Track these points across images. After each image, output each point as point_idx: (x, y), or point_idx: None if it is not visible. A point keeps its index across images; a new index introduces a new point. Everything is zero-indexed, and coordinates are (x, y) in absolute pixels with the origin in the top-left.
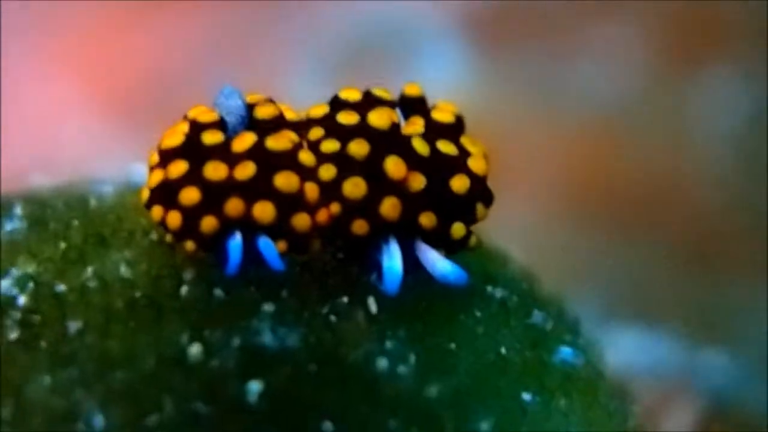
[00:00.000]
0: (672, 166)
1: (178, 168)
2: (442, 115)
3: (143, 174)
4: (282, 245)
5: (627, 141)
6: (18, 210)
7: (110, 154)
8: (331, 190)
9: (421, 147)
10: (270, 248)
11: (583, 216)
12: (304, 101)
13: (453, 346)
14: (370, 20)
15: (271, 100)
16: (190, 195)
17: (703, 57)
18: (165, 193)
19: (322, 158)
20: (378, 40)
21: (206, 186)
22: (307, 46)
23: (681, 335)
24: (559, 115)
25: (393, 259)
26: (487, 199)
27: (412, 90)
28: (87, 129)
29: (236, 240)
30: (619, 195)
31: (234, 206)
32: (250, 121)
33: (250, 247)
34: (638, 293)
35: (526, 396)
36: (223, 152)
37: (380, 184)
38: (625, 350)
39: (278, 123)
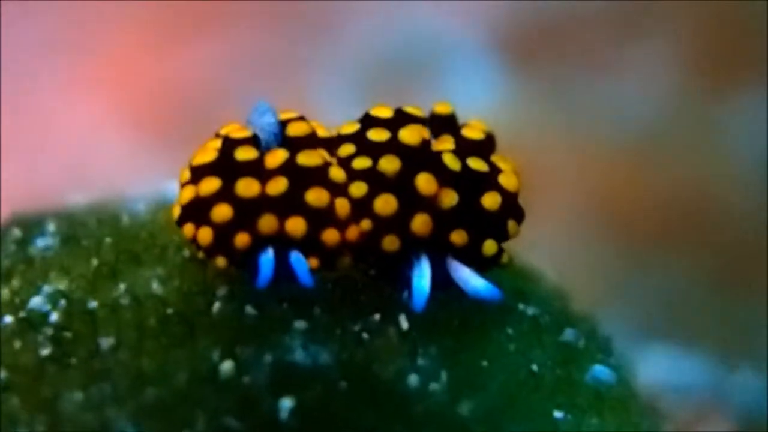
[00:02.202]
0: (703, 186)
1: (211, 185)
2: (473, 132)
3: (176, 191)
4: (314, 261)
5: (658, 160)
6: (51, 227)
7: (143, 172)
8: (362, 207)
9: (452, 162)
10: (301, 263)
11: (615, 235)
12: (336, 119)
13: (485, 363)
14: (401, 38)
15: (303, 118)
16: (223, 211)
17: (733, 77)
18: (197, 210)
19: (354, 175)
20: (410, 58)
21: (238, 202)
22: (340, 64)
23: (713, 354)
24: (590, 134)
25: (422, 277)
26: (519, 215)
27: (442, 108)
28: (120, 147)
29: (268, 255)
30: (651, 214)
31: (267, 223)
32: (282, 138)
33: (281, 262)
34: (670, 312)
35: (558, 414)
36: (255, 168)
37: (411, 201)
38: (657, 369)
39: (310, 140)
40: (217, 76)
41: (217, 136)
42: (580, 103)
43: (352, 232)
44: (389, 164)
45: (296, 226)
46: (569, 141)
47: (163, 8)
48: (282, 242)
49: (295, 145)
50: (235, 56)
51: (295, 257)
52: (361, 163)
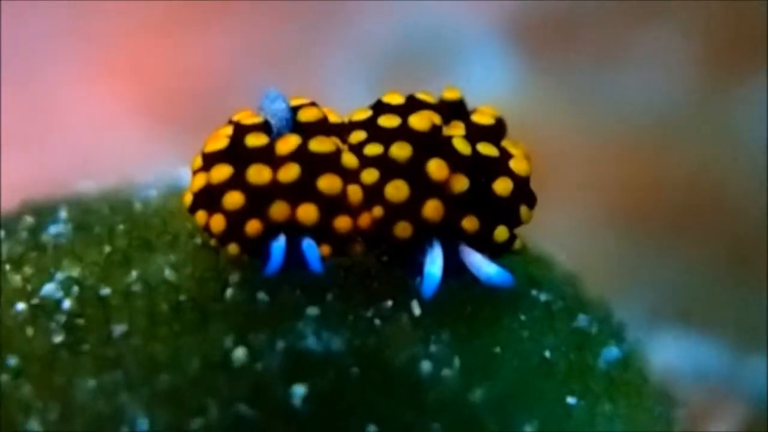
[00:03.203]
0: (715, 173)
1: (222, 172)
2: (482, 117)
3: (188, 178)
4: (325, 249)
5: (670, 147)
6: (63, 214)
7: (155, 159)
8: (374, 194)
9: (462, 146)
10: (313, 250)
11: (628, 221)
12: (348, 105)
13: (497, 349)
14: (414, 26)
15: (314, 104)
16: (234, 199)
17: (747, 65)
18: (209, 198)
19: (365, 161)
20: (422, 46)
21: (250, 189)
22: (353, 52)
23: (726, 341)
24: (602, 121)
25: (434, 262)
26: (531, 200)
27: (451, 94)
28: (132, 134)
29: (280, 242)
30: (663, 200)
31: (279, 210)
32: (293, 124)
33: (293, 248)
34: (683, 298)
35: (571, 400)
36: (266, 155)
37: (423, 187)
38: (670, 355)
39: (322, 126)
40: (229, 63)
41: (230, 122)
42: (592, 91)
43: (365, 219)
44: (400, 151)
45: (308, 213)
46: (582, 129)
47: None
48: (294, 229)
49: (307, 130)
50: (248, 44)
51: (307, 244)
52: (373, 149)
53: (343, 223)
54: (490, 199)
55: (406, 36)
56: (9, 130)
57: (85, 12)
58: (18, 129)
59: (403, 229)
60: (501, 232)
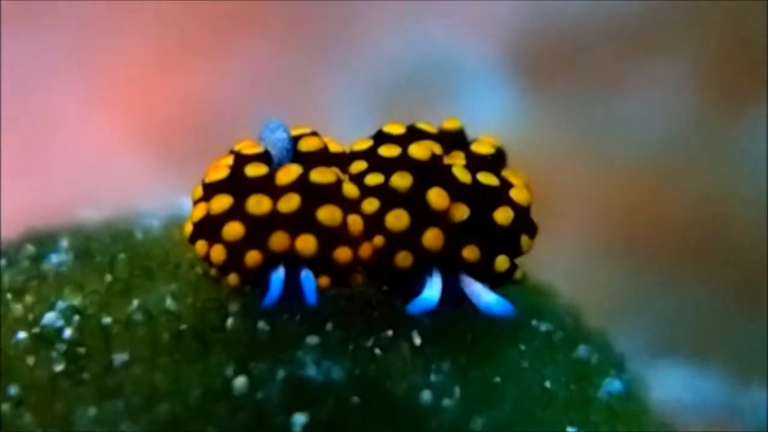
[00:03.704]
0: (717, 203)
1: (222, 202)
2: (483, 147)
3: (189, 207)
4: (325, 280)
5: (672, 179)
6: (64, 243)
7: (157, 188)
8: (374, 223)
9: (462, 175)
10: (310, 281)
11: (628, 252)
12: (350, 134)
13: (498, 379)
14: (417, 56)
15: (315, 133)
16: (234, 229)
17: (748, 95)
18: (209, 228)
19: (366, 191)
20: (425, 76)
21: (250, 220)
22: (355, 82)
23: (726, 373)
24: (604, 152)
25: (432, 288)
26: (531, 230)
27: (451, 124)
28: (134, 163)
29: (279, 273)
30: (664, 232)
31: (278, 240)
32: (294, 154)
33: (292, 279)
34: (684, 330)
35: (571, 430)
36: (266, 185)
37: (423, 216)
38: (671, 387)
39: (322, 156)
40: (230, 93)
41: (231, 152)
42: (594, 120)
43: (366, 250)
44: (401, 180)
45: (307, 244)
46: (584, 158)
47: (177, 27)
48: (293, 260)
49: (308, 160)
50: (249, 74)
51: (305, 275)
52: (373, 179)
53: (343, 254)
54: (490, 228)
55: (408, 65)
56: (10, 159)
57: (87, 42)
58: (19, 158)
59: (404, 259)
60: (502, 262)
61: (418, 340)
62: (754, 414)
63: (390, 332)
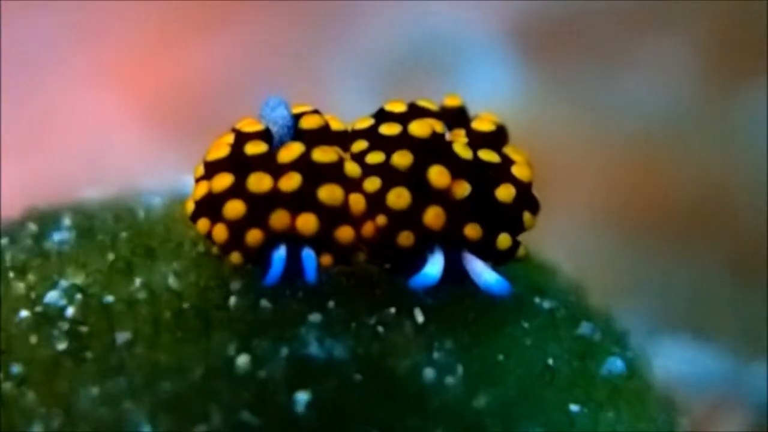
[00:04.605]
0: (719, 179)
1: (223, 181)
2: (483, 124)
3: (192, 185)
4: (327, 258)
5: (674, 153)
6: (66, 221)
7: (159, 166)
8: (376, 202)
9: (463, 152)
10: (310, 260)
11: (631, 228)
12: (351, 112)
13: (501, 357)
14: (417, 32)
15: (316, 111)
16: (236, 208)
17: (750, 71)
18: (210, 206)
19: (368, 170)
20: (425, 52)
21: (251, 198)
22: (354, 56)
23: (729, 348)
24: (606, 127)
25: (434, 265)
26: (534, 207)
27: (452, 101)
28: (136, 141)
29: (280, 252)
30: (667, 207)
31: (279, 219)
32: (296, 132)
33: (294, 258)
34: (686, 306)
35: (574, 407)
36: (268, 163)
37: (424, 194)
38: (673, 362)
39: (324, 134)
40: (232, 70)
41: (232, 130)
42: (596, 96)
43: (368, 229)
44: (402, 159)
45: (307, 223)
46: (586, 135)
47: (178, 4)
48: (295, 239)
49: (309, 138)
50: (251, 51)
51: (306, 254)
52: (374, 158)
53: (345, 233)
54: (492, 205)
55: (409, 42)
56: (13, 137)
57: (89, 20)
58: (22, 136)
59: (406, 238)
60: (504, 240)
61: (420, 318)
62: (756, 389)
63: (392, 310)
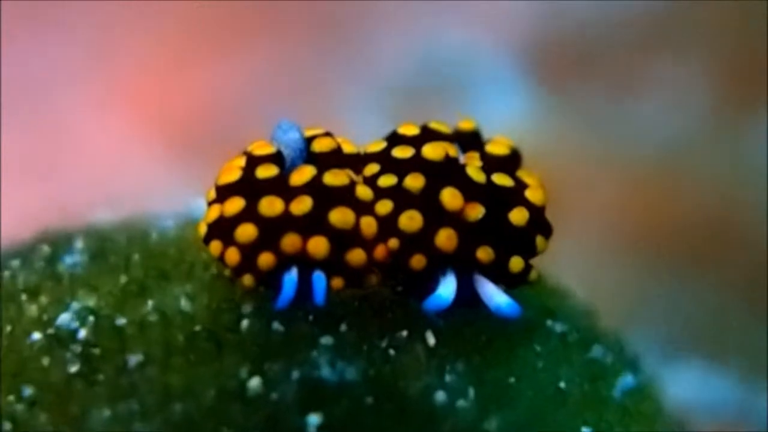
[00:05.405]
0: (731, 204)
1: (235, 205)
2: (498, 148)
3: (204, 208)
4: (338, 281)
5: (685, 179)
6: (79, 244)
7: (172, 189)
8: (388, 225)
9: (476, 175)
10: (321, 283)
11: (642, 253)
12: (364, 134)
13: (512, 380)
14: (430, 55)
15: (329, 134)
16: (247, 231)
17: (759, 96)
18: (222, 230)
19: (380, 193)
20: (438, 75)
21: (262, 222)
22: (367, 79)
23: (740, 372)
24: (617, 152)
25: (447, 287)
26: (547, 230)
27: (466, 125)
28: (149, 164)
29: (291, 275)
30: (679, 231)
31: (290, 242)
32: (308, 154)
33: (305, 281)
34: (698, 331)
35: (586, 430)
36: (279, 186)
37: (437, 216)
38: (685, 386)
39: (336, 157)
40: (245, 93)
41: (244, 153)
42: (607, 121)
43: (380, 251)
44: (414, 181)
45: (318, 246)
46: (597, 158)
47: (190, 27)
48: (307, 262)
49: (321, 161)
50: (264, 74)
51: (317, 277)
52: (387, 180)
53: (356, 256)
54: (505, 229)
55: (422, 65)
56: (26, 160)
57: (100, 43)
58: (34, 159)
59: (418, 261)
60: (516, 263)
61: (432, 341)
62: (766, 414)
63: (404, 333)
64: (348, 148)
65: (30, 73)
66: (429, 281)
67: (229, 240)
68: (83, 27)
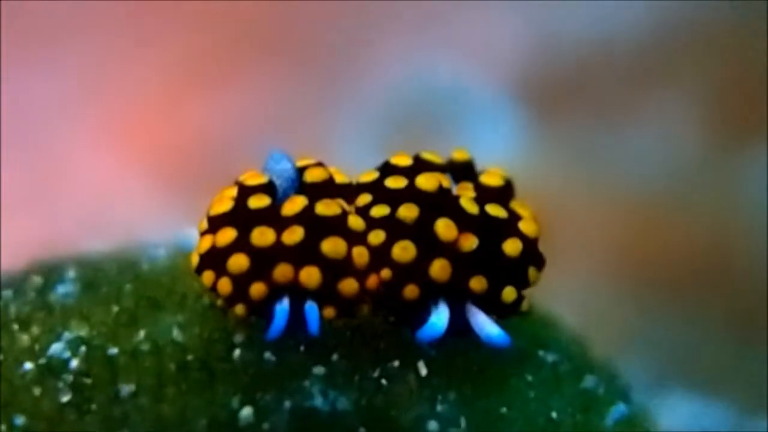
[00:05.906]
0: (720, 235)
1: (227, 235)
2: (491, 179)
3: (195, 238)
4: (330, 311)
5: (677, 209)
6: (71, 274)
7: (163, 219)
8: (381, 255)
9: (470, 206)
10: (313, 313)
11: (634, 283)
12: (356, 165)
13: (504, 409)
14: (422, 89)
15: (321, 164)
16: (239, 262)
17: (753, 127)
18: (215, 260)
19: (372, 223)
20: (430, 108)
21: (254, 252)
22: (359, 110)
23: (731, 403)
24: (609, 182)
25: (440, 316)
26: (539, 262)
27: (460, 155)
28: (140, 194)
29: (283, 305)
30: (670, 262)
31: (282, 272)
32: (300, 185)
33: (297, 311)
34: (689, 361)
35: None
36: (271, 216)
37: (430, 247)
38: (676, 417)
39: (328, 187)
40: (236, 124)
41: (236, 183)
42: (600, 151)
43: (372, 281)
44: (408, 212)
45: (310, 276)
46: (589, 189)
47: (182, 59)
48: (299, 292)
49: (313, 191)
50: (255, 105)
51: (309, 307)
52: (379, 211)
53: (348, 285)
54: (498, 259)
55: (414, 97)
56: (18, 191)
57: (93, 76)
58: (26, 189)
59: (411, 291)
60: (509, 293)
61: (424, 371)
62: None
63: (396, 362)
64: (340, 179)
65: (23, 108)
66: (421, 311)
67: (221, 270)
68: (76, 63)
